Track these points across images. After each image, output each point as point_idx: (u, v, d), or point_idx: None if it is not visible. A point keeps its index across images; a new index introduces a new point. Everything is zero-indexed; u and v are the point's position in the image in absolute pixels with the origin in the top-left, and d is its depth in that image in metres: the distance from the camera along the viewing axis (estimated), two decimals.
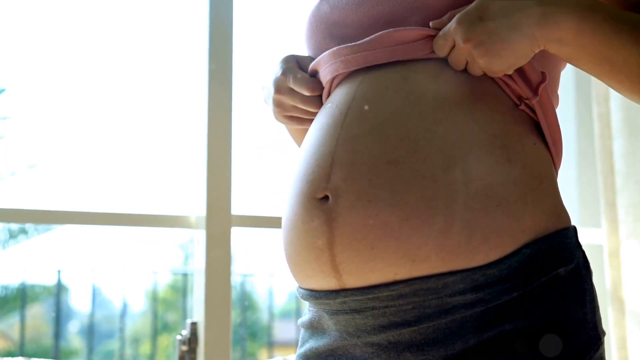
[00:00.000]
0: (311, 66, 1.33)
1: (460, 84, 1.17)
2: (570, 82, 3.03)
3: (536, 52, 1.14)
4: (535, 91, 1.19)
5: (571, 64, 1.18)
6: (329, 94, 1.30)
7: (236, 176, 2.45)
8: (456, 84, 1.17)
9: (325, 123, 1.21)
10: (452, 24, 1.14)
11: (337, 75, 1.27)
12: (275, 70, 1.36)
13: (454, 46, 1.15)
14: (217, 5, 2.48)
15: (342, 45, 1.26)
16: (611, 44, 1.13)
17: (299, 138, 1.52)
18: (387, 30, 1.21)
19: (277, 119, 1.40)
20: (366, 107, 1.17)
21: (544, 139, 1.21)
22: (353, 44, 1.24)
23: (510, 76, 1.18)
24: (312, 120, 1.33)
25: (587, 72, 1.19)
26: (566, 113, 3.05)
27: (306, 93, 1.31)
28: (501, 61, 1.13)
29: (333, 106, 1.22)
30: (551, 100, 1.22)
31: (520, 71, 1.19)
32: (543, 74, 1.21)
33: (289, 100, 1.34)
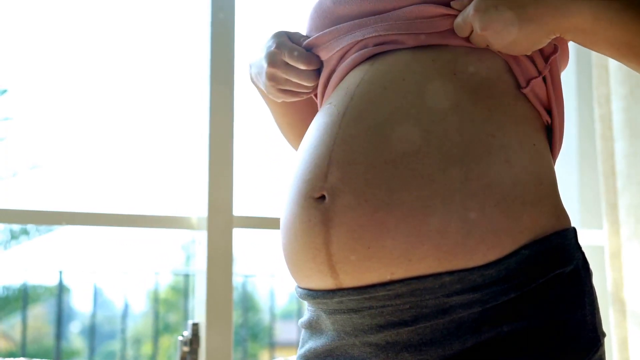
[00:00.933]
0: (312, 40, 1.34)
1: (459, 85, 1.17)
2: (571, 83, 3.03)
3: (552, 38, 1.17)
4: (546, 61, 1.22)
5: (586, 47, 1.21)
6: (331, 73, 1.31)
7: (238, 177, 2.45)
8: (455, 84, 1.17)
9: (324, 123, 1.21)
10: (470, 9, 1.16)
11: (341, 53, 1.29)
12: (267, 45, 1.36)
13: (472, 30, 1.18)
14: (218, 5, 2.48)
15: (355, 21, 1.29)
16: (629, 29, 1.15)
17: (281, 117, 1.54)
18: (408, 7, 1.22)
19: (269, 92, 1.39)
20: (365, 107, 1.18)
21: (544, 140, 1.21)
22: (370, 17, 1.27)
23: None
24: (306, 94, 1.36)
25: (604, 54, 1.22)
26: (567, 114, 3.05)
27: (302, 67, 1.31)
28: (518, 49, 1.17)
29: (332, 106, 1.22)
30: (559, 73, 1.26)
31: None
32: (555, 45, 1.23)
33: (283, 74, 1.34)
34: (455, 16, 1.20)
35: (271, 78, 1.35)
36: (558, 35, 1.16)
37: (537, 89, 1.21)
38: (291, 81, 1.35)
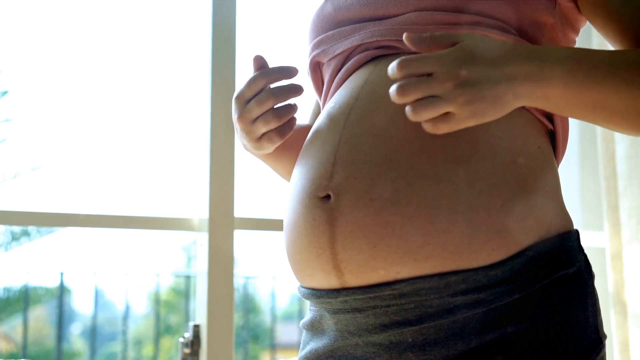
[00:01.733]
0: (314, 43, 1.35)
1: None
2: None
3: (515, 107, 1.08)
4: None
5: (558, 113, 1.16)
6: (334, 74, 1.32)
7: (239, 179, 2.45)
8: None
9: (328, 123, 1.21)
10: (439, 55, 1.05)
11: (345, 55, 1.29)
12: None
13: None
14: (219, 6, 2.48)
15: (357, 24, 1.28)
16: (600, 90, 1.11)
17: (285, 168, 1.47)
18: (406, 14, 1.22)
19: (254, 148, 1.31)
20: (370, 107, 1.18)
21: (548, 144, 1.22)
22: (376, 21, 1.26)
23: None
24: (284, 132, 1.26)
25: (579, 119, 1.17)
26: None
27: (283, 78, 1.24)
28: (481, 105, 1.05)
29: (336, 106, 1.22)
30: None
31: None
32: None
33: (257, 110, 1.24)
34: (453, 24, 1.20)
35: (245, 126, 1.28)
36: (526, 102, 1.09)
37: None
38: (268, 120, 1.25)
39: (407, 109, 1.04)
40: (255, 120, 1.24)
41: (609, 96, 1.12)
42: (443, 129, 1.04)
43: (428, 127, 1.04)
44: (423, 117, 1.03)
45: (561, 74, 1.08)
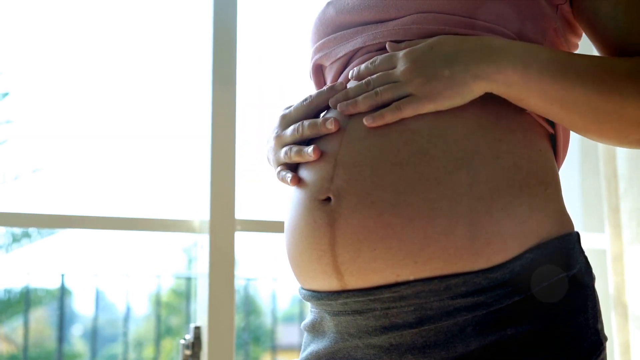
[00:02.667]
0: (317, 47, 1.36)
1: None
2: None
3: (479, 93, 1.13)
4: None
5: (522, 105, 1.17)
6: (337, 77, 1.33)
7: (240, 180, 2.45)
8: None
9: None
10: (403, 49, 1.16)
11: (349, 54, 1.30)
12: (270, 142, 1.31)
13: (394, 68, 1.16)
14: (221, 8, 2.48)
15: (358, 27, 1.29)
16: (559, 84, 1.13)
17: None
18: (407, 16, 1.23)
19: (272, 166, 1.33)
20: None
21: (549, 147, 1.22)
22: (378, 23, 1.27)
23: None
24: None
25: (541, 114, 1.18)
26: None
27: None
28: (438, 85, 1.12)
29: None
30: None
31: None
32: None
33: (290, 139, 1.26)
34: (454, 26, 1.21)
35: (275, 152, 1.29)
36: (488, 90, 1.13)
37: None
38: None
39: (370, 93, 1.14)
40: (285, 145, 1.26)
41: (567, 92, 1.13)
42: (407, 110, 1.12)
43: (392, 110, 1.12)
44: (384, 97, 1.13)
45: (519, 59, 1.12)
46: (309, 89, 1.40)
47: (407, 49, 1.15)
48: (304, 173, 1.21)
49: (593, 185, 2.95)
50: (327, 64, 1.35)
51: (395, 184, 1.10)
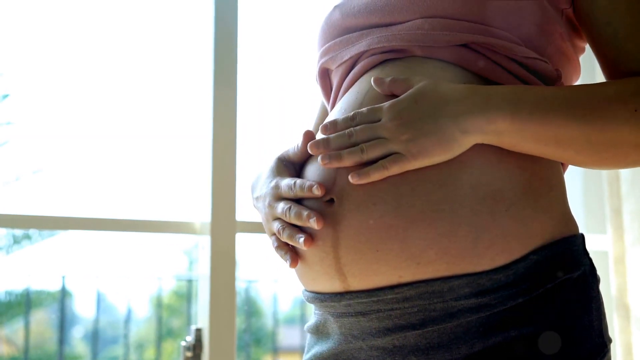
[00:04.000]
0: (323, 50, 1.35)
1: None
2: None
3: (469, 146, 1.10)
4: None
5: (516, 150, 1.14)
6: (342, 80, 1.33)
7: (241, 182, 2.45)
8: None
9: None
10: (386, 103, 1.12)
11: (353, 60, 1.30)
12: (264, 200, 1.26)
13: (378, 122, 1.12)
14: (222, 8, 2.48)
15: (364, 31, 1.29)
16: (551, 124, 1.11)
17: None
18: (413, 20, 1.23)
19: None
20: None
21: None
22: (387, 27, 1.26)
23: (524, 81, 1.19)
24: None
25: (538, 155, 1.15)
26: None
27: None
28: (425, 143, 1.08)
29: (342, 111, 1.22)
30: None
31: (534, 71, 1.20)
32: (557, 70, 1.22)
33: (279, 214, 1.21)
34: (459, 31, 1.20)
35: (266, 220, 1.26)
36: (476, 138, 1.10)
37: None
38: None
39: (355, 150, 1.10)
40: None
41: (560, 131, 1.11)
42: (393, 168, 1.08)
43: (379, 168, 1.09)
44: (370, 155, 1.09)
45: (507, 105, 1.10)
46: (309, 90, 1.40)
47: (390, 103, 1.11)
48: (307, 174, 1.21)
49: (595, 187, 2.95)
50: (332, 67, 1.35)
51: (397, 185, 1.10)
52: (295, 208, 1.16)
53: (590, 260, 1.19)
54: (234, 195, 2.40)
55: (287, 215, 1.17)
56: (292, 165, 1.25)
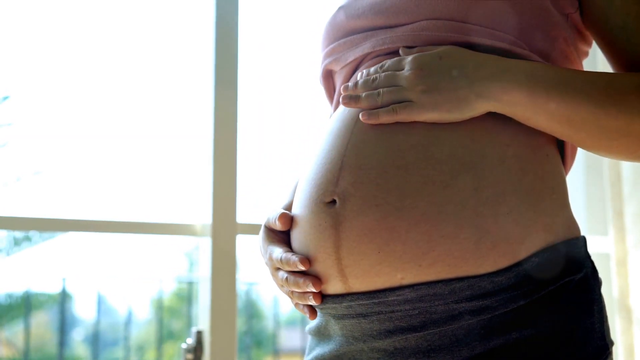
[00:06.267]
0: (327, 51, 1.36)
1: None
2: None
3: (481, 112, 1.13)
4: None
5: (528, 124, 1.16)
6: (347, 80, 1.33)
7: (241, 184, 2.45)
8: None
9: (337, 128, 1.21)
10: (413, 53, 1.17)
11: (357, 60, 1.30)
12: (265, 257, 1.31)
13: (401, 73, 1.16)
14: (223, 10, 2.48)
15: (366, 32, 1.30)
16: (566, 103, 1.12)
17: None
18: (417, 22, 1.23)
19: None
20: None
21: (557, 152, 1.21)
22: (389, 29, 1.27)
23: None
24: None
25: (548, 132, 1.17)
26: None
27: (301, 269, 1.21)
28: (438, 97, 1.12)
29: (345, 112, 1.22)
30: None
31: None
32: None
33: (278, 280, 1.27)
34: (464, 33, 1.20)
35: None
36: (489, 105, 1.12)
37: None
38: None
39: (372, 93, 1.16)
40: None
41: (574, 111, 1.13)
42: (401, 113, 1.13)
43: (388, 111, 1.13)
44: (385, 99, 1.14)
45: (525, 79, 1.12)
46: (311, 91, 1.40)
47: (417, 55, 1.15)
48: (309, 175, 1.21)
49: (597, 188, 2.94)
50: (336, 68, 1.35)
51: (400, 187, 1.09)
52: (291, 278, 1.20)
53: (592, 262, 1.19)
54: (234, 197, 2.40)
55: (287, 284, 1.21)
56: (278, 231, 1.28)
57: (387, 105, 1.14)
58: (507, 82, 1.11)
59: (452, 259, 1.07)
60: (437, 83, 1.12)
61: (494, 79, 1.11)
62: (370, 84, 1.17)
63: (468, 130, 1.13)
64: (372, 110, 1.15)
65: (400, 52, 1.21)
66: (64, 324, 4.86)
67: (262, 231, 1.32)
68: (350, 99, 1.18)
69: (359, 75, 1.22)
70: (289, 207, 1.30)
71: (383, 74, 1.17)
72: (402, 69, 1.15)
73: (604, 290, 1.20)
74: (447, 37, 1.20)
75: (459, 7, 1.21)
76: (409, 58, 1.15)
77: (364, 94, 1.17)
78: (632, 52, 1.22)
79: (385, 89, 1.15)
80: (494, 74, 1.12)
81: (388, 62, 1.18)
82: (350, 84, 1.21)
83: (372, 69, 1.20)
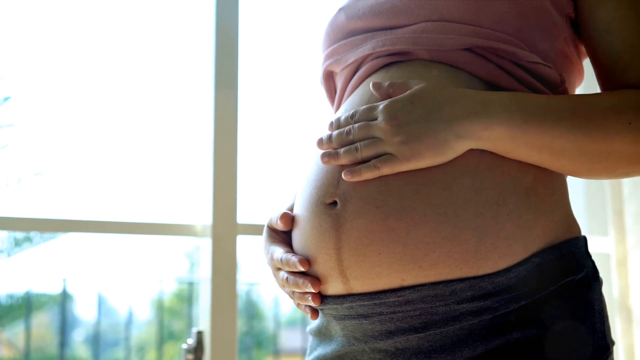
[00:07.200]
0: (327, 52, 1.36)
1: None
2: (577, 91, 3.03)
3: (463, 151, 1.10)
4: (556, 94, 1.20)
5: (509, 157, 1.13)
6: (347, 82, 1.34)
7: (242, 184, 2.45)
8: None
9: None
10: (383, 102, 1.12)
11: (357, 63, 1.30)
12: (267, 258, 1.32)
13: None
14: (223, 11, 2.48)
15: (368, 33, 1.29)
16: (546, 132, 1.11)
17: None
18: (417, 24, 1.23)
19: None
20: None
21: None
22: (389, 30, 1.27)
23: (528, 85, 1.18)
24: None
25: (530, 162, 1.14)
26: None
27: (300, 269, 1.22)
28: (418, 146, 1.08)
29: (346, 113, 1.22)
30: None
31: (538, 76, 1.20)
32: (561, 75, 1.21)
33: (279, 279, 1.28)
34: (463, 35, 1.20)
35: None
36: (471, 144, 1.09)
37: None
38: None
39: (350, 149, 1.12)
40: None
41: (554, 140, 1.11)
42: (384, 169, 1.09)
43: (370, 168, 1.10)
44: (364, 154, 1.11)
45: (504, 113, 1.09)
46: (311, 92, 1.40)
47: (388, 102, 1.11)
48: (310, 177, 1.21)
49: (597, 188, 2.94)
50: (337, 70, 1.36)
51: (400, 188, 1.09)
52: (291, 278, 1.20)
53: (593, 262, 1.19)
54: (235, 198, 2.40)
55: (287, 284, 1.21)
56: (280, 231, 1.29)
57: (367, 160, 1.11)
58: (487, 119, 1.08)
59: (452, 260, 1.07)
60: (415, 131, 1.08)
61: (472, 117, 1.08)
62: (345, 137, 1.14)
63: None
64: (354, 167, 1.11)
65: (371, 87, 1.17)
66: (65, 325, 4.86)
67: (264, 231, 1.32)
68: (330, 157, 1.15)
69: (329, 126, 1.19)
70: (292, 208, 1.30)
71: (356, 125, 1.13)
72: (375, 118, 1.12)
73: (604, 290, 1.20)
74: (446, 38, 1.21)
75: (459, 8, 1.21)
76: (380, 107, 1.11)
77: (342, 150, 1.13)
78: (614, 56, 1.22)
79: (362, 143, 1.11)
80: (470, 112, 1.08)
81: (358, 112, 1.14)
82: (324, 137, 1.17)
83: (342, 118, 1.16)
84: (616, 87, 1.21)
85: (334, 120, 1.18)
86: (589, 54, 1.27)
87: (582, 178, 1.22)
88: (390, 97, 1.14)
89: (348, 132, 1.13)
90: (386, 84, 1.15)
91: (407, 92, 1.11)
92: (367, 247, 1.10)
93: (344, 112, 1.24)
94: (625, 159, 1.15)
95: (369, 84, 1.25)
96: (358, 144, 1.12)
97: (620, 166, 1.16)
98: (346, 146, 1.14)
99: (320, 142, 1.18)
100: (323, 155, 1.15)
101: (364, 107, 1.14)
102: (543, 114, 1.11)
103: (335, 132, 1.16)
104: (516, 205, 1.10)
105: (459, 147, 1.08)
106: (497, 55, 1.20)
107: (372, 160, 1.10)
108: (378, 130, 1.10)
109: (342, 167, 1.15)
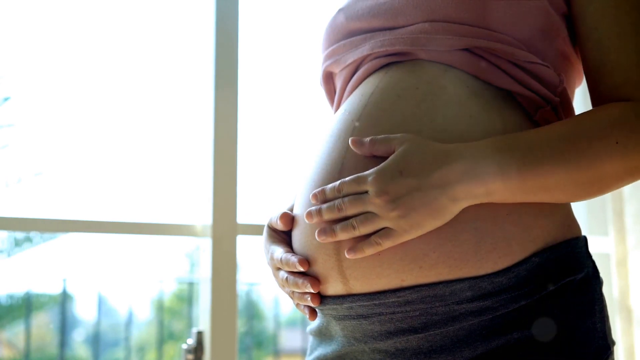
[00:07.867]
0: (327, 53, 1.36)
1: (473, 95, 1.17)
2: (577, 91, 3.02)
3: (459, 210, 1.08)
4: (555, 94, 1.20)
5: (506, 202, 1.11)
6: (346, 83, 1.34)
7: (242, 184, 2.44)
8: (469, 95, 1.17)
9: (337, 129, 1.22)
10: (370, 174, 1.08)
11: (356, 63, 1.30)
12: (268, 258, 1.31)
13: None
14: (223, 11, 2.48)
15: (368, 34, 1.29)
16: (540, 175, 1.09)
17: None
18: (415, 24, 1.23)
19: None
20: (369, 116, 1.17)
21: None
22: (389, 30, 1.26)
23: (526, 86, 1.18)
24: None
25: (524, 201, 1.13)
26: None
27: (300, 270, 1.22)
28: (416, 217, 1.06)
29: (346, 113, 1.22)
30: (572, 102, 1.23)
31: (536, 76, 1.19)
32: (560, 75, 1.21)
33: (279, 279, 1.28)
34: (462, 36, 1.20)
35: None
36: (467, 203, 1.07)
37: (547, 115, 1.21)
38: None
39: (347, 225, 1.09)
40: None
41: (546, 179, 1.10)
42: (386, 243, 1.07)
43: (372, 244, 1.08)
44: (363, 231, 1.08)
45: (495, 166, 1.07)
46: (311, 92, 1.40)
47: (375, 174, 1.08)
48: (310, 177, 1.21)
49: None
50: (336, 70, 1.36)
51: None
52: (291, 278, 1.20)
53: (593, 262, 1.19)
54: (235, 198, 2.40)
55: (287, 284, 1.21)
56: (280, 231, 1.29)
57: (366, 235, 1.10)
58: (480, 177, 1.07)
59: (452, 261, 1.07)
60: (410, 203, 1.05)
61: (464, 179, 1.06)
62: (336, 212, 1.11)
63: (468, 133, 1.13)
64: (356, 245, 1.09)
65: (351, 143, 1.14)
66: (65, 325, 4.85)
67: (264, 231, 1.32)
68: (326, 235, 1.11)
69: (313, 197, 1.15)
70: (292, 208, 1.30)
71: (347, 200, 1.10)
72: (363, 191, 1.09)
73: (604, 290, 1.20)
74: (445, 39, 1.20)
75: (458, 9, 1.21)
76: (369, 179, 1.08)
77: (338, 228, 1.10)
78: (601, 56, 1.21)
79: (358, 220, 1.08)
80: (462, 172, 1.06)
81: (345, 184, 1.10)
82: (313, 210, 1.14)
83: (327, 190, 1.13)
84: (604, 91, 1.20)
85: (317, 193, 1.14)
86: (579, 52, 1.26)
87: (575, 201, 1.20)
88: (373, 155, 1.12)
89: (340, 208, 1.10)
90: (367, 140, 1.12)
91: (392, 158, 1.08)
92: None
93: (342, 113, 1.23)
94: (617, 177, 1.14)
95: (368, 85, 1.25)
96: (354, 222, 1.09)
97: (613, 183, 1.16)
98: (340, 222, 1.11)
99: (309, 215, 1.14)
100: (319, 233, 1.12)
101: (350, 178, 1.10)
102: (533, 157, 1.09)
103: (324, 207, 1.12)
104: (515, 206, 1.10)
105: (455, 209, 1.07)
106: (495, 55, 1.20)
107: (372, 237, 1.08)
108: (371, 205, 1.07)
109: (342, 166, 1.15)
